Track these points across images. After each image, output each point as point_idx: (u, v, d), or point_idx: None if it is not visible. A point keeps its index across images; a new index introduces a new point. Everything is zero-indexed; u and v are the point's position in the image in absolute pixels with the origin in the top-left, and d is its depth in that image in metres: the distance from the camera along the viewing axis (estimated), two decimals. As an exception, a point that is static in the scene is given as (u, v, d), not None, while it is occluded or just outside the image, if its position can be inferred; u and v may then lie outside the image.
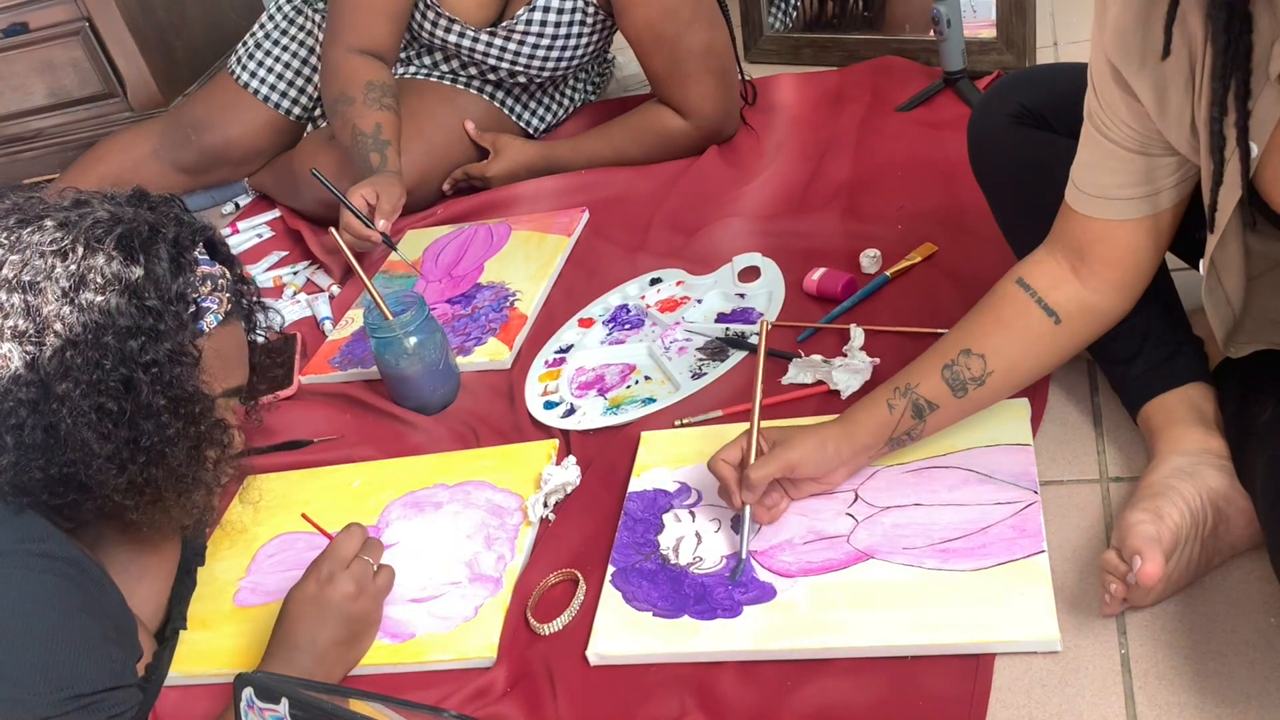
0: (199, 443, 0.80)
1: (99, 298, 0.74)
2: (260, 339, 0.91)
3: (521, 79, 1.48)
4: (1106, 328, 0.79)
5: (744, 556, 0.80)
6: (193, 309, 0.79)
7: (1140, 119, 0.69)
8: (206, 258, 0.82)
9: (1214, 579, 0.73)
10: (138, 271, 0.75)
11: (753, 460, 0.81)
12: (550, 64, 1.45)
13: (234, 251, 0.88)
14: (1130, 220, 0.73)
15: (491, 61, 1.45)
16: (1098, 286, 0.76)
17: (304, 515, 0.90)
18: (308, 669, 0.80)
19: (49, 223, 0.76)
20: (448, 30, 1.43)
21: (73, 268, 0.74)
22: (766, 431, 0.82)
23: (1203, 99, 0.63)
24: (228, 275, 0.83)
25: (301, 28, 1.59)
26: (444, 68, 1.51)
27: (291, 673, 0.79)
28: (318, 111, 1.62)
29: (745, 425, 0.95)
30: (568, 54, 1.44)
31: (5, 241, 0.76)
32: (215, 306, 0.81)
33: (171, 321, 0.76)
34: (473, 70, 1.49)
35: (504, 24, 1.41)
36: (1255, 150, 0.62)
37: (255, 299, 0.88)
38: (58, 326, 0.73)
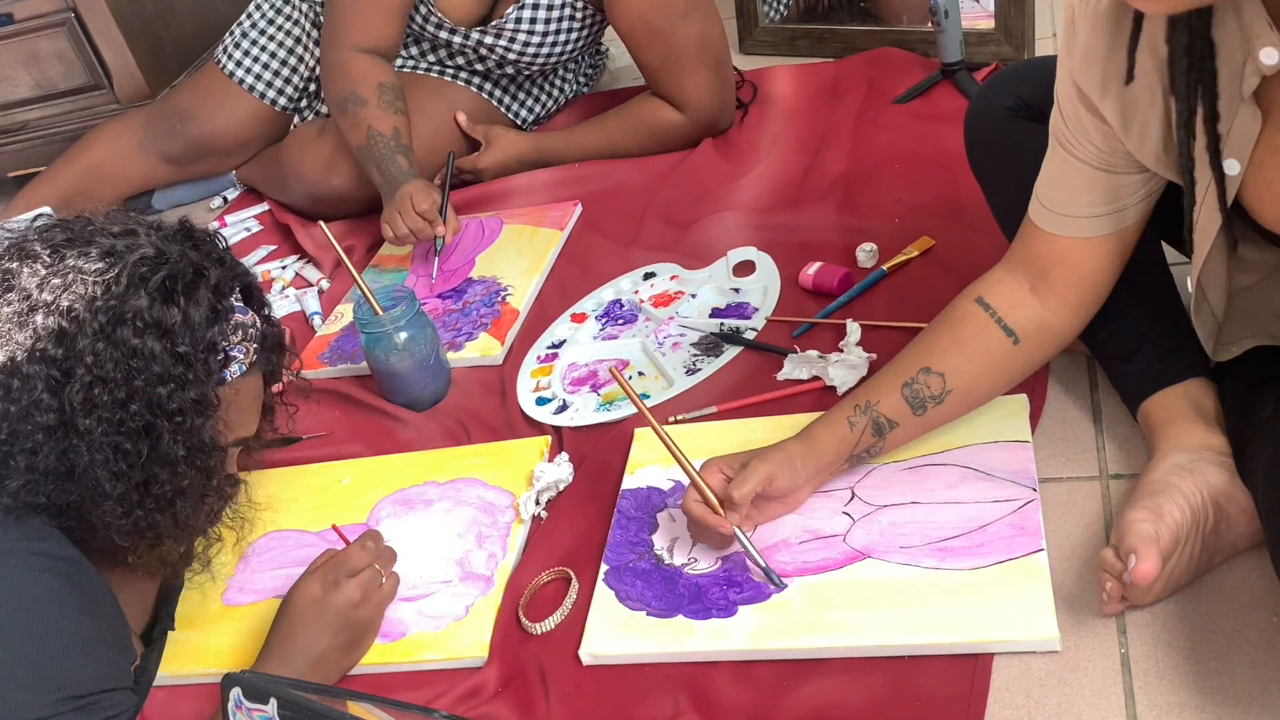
0: (207, 495, 0.79)
1: (136, 340, 0.73)
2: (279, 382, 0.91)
3: (509, 70, 1.47)
4: (1061, 347, 0.80)
5: (765, 566, 0.79)
6: (221, 357, 0.79)
7: (1108, 139, 0.69)
8: (241, 305, 0.82)
9: (1215, 577, 0.72)
10: (176, 316, 0.75)
11: (702, 494, 0.79)
12: (539, 58, 1.44)
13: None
14: (1095, 238, 0.73)
15: (482, 53, 1.43)
16: (1056, 307, 0.76)
17: (334, 527, 0.90)
18: (303, 671, 0.80)
19: (94, 250, 0.75)
20: (439, 26, 1.41)
21: (113, 303, 0.73)
22: (727, 459, 0.81)
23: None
24: (258, 324, 0.82)
25: (289, 18, 1.58)
26: (430, 58, 1.49)
27: (287, 673, 0.78)
28: (304, 103, 1.61)
29: (739, 420, 0.94)
30: (557, 49, 1.43)
31: (49, 261, 0.75)
32: (242, 356, 0.80)
33: (200, 370, 0.76)
34: (460, 60, 1.47)
35: (494, 23, 1.40)
36: (1237, 168, 0.62)
37: (282, 340, 0.88)
38: (89, 359, 0.72)
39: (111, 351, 0.72)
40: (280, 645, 0.81)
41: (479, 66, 1.48)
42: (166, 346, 0.74)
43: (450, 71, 1.50)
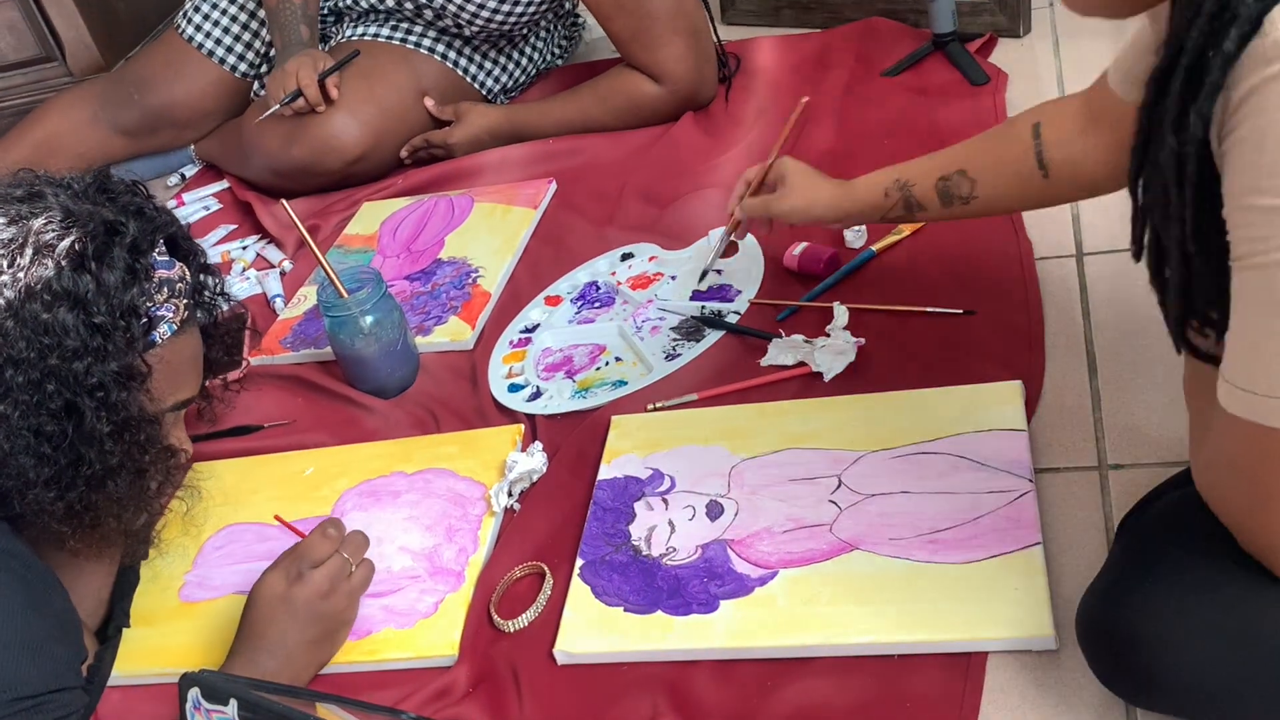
0: (144, 470, 0.76)
1: (46, 315, 0.70)
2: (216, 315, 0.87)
3: (450, 24, 1.42)
4: (1087, 196, 0.82)
5: (708, 268, 0.98)
6: (145, 320, 0.75)
7: None
8: (166, 258, 0.77)
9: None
10: (89, 283, 0.71)
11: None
12: (483, 12, 1.38)
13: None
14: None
15: None
16: (1100, 157, 0.78)
17: (276, 517, 0.87)
18: (273, 670, 0.77)
19: None
20: None
21: (20, 275, 0.70)
22: (788, 173, 0.93)
23: None
24: (187, 278, 0.78)
25: None
26: (393, 8, 1.44)
27: (255, 674, 0.75)
28: (264, 68, 1.56)
29: (721, 408, 0.91)
30: (506, 4, 1.38)
31: None
32: (170, 315, 0.76)
33: (120, 339, 0.72)
34: (421, 10, 1.41)
35: None
36: None
37: (218, 291, 0.84)
38: None
39: (21, 329, 0.69)
40: (247, 644, 0.78)
41: (429, 15, 1.42)
42: (80, 318, 0.71)
43: (414, 40, 1.45)
